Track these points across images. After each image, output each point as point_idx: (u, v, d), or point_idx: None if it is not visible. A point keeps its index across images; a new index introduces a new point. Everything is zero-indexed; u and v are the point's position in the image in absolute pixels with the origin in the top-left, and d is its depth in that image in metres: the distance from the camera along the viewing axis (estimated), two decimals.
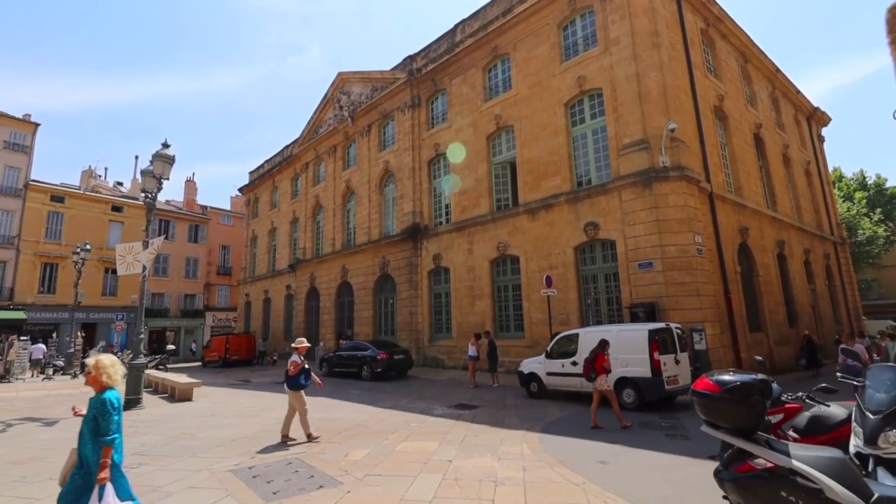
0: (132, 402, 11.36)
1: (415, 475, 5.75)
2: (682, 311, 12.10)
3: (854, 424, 3.40)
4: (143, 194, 12.93)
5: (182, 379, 14.32)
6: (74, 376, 20.72)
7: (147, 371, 14.63)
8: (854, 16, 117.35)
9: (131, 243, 12.72)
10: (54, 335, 27.48)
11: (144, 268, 12.23)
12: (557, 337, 11.82)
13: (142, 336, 12.35)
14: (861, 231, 30.03)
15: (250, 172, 37.85)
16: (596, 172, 15.01)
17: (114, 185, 43.76)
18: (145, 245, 12.27)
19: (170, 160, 12.67)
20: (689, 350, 10.80)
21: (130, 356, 14.44)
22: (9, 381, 18.79)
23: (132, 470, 6.26)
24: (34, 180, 31.85)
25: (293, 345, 8.20)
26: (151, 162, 12.61)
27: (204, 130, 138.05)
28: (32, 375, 21.38)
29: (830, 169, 30.85)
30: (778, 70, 21.68)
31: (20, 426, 9.59)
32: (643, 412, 9.36)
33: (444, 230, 19.48)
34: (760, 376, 3.06)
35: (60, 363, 22.58)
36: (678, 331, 10.38)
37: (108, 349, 27.07)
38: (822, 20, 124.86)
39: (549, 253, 15.39)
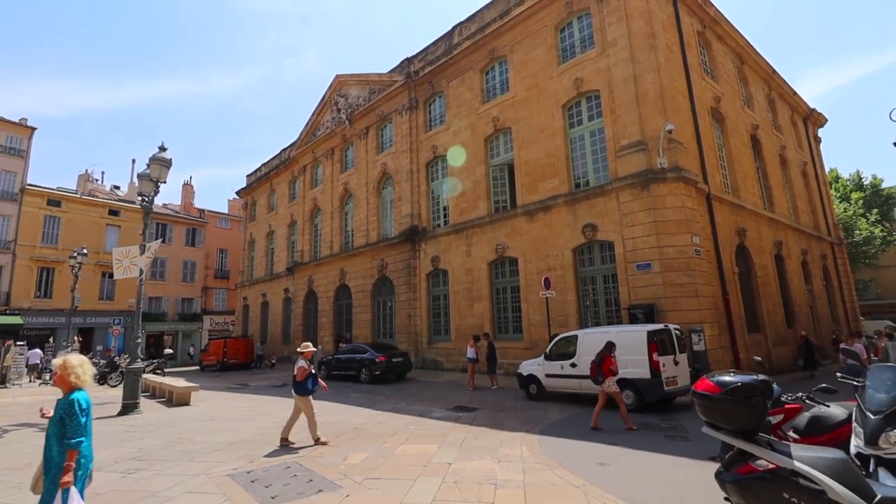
0: (130, 407, 11.33)
1: (414, 478, 5.73)
2: (680, 312, 12.11)
3: (855, 425, 3.40)
4: (139, 198, 12.92)
5: (180, 383, 14.27)
6: None
7: (144, 375, 14.58)
8: (851, 17, 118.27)
9: (128, 247, 12.68)
10: (51, 340, 27.39)
11: (141, 272, 12.18)
12: (556, 339, 11.81)
13: (139, 340, 12.28)
14: (858, 231, 30.16)
15: (248, 176, 37.78)
16: (594, 174, 15.03)
17: (111, 189, 43.64)
18: (142, 249, 12.23)
19: (166, 163, 12.67)
20: (687, 351, 10.80)
21: (128, 360, 14.38)
22: (5, 387, 18.71)
23: (129, 475, 6.23)
24: (30, 184, 31.74)
25: (299, 349, 8.10)
26: (148, 165, 12.61)
27: (201, 133, 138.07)
28: (29, 381, 21.31)
29: (827, 170, 31.03)
30: (774, 72, 21.81)
31: (17, 432, 9.53)
32: (642, 413, 9.34)
33: (442, 232, 19.47)
34: (761, 377, 3.06)
35: None
36: (677, 332, 10.38)
37: (105, 354, 26.97)
38: (818, 22, 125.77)
39: (548, 254, 15.39)
